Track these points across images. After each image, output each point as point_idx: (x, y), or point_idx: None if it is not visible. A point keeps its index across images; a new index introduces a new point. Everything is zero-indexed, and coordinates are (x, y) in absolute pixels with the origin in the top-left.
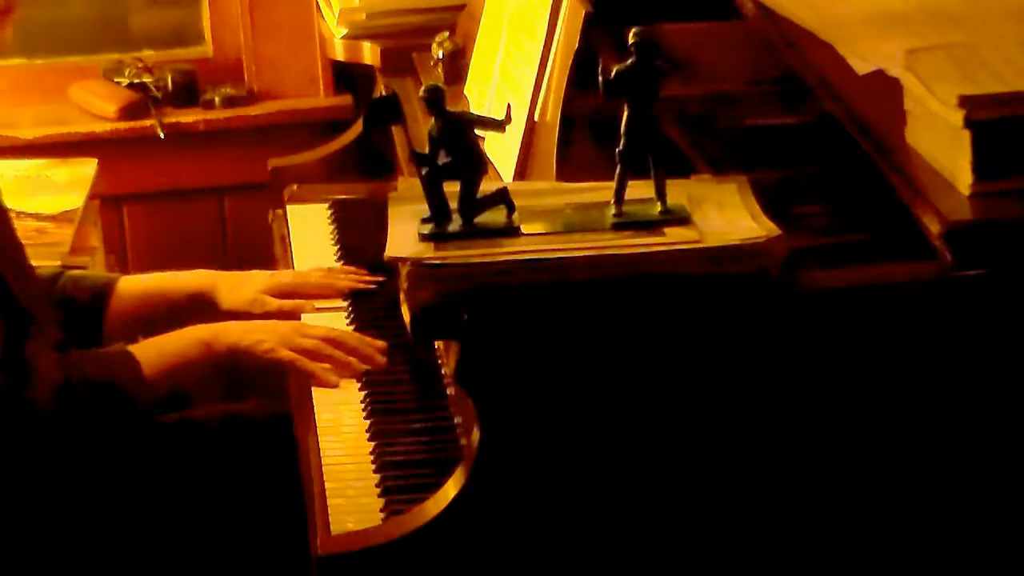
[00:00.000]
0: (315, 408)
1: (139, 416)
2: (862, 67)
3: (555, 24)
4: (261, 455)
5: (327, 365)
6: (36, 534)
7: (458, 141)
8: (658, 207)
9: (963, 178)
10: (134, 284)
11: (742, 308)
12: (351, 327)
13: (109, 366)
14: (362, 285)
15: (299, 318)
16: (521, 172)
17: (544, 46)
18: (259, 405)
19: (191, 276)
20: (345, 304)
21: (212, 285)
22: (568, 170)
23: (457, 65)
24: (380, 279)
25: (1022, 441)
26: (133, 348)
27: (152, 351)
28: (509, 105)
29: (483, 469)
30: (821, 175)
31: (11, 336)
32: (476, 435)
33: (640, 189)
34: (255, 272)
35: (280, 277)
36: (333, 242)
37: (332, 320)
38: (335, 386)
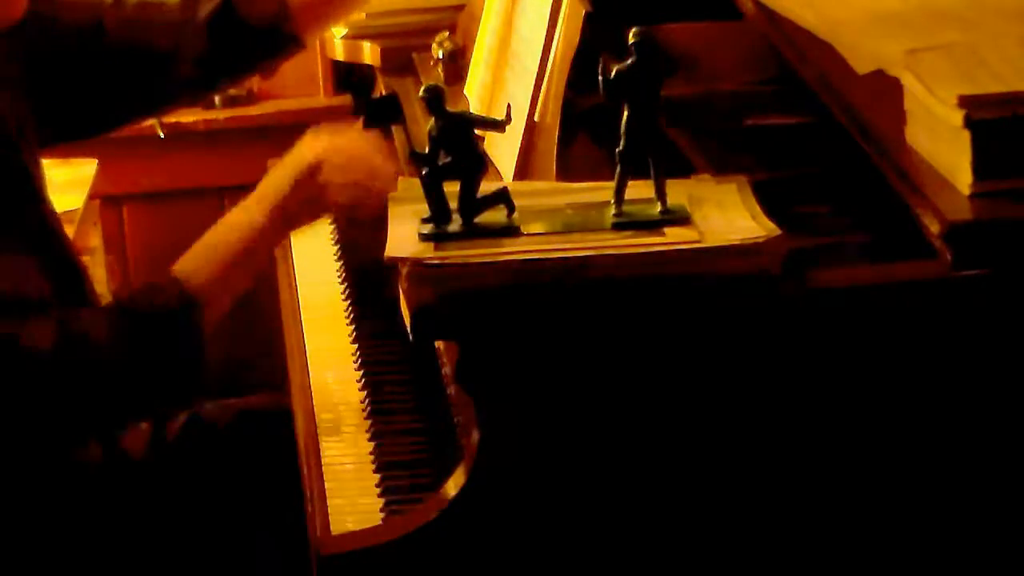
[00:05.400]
0: (315, 408)
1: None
2: (862, 67)
3: (555, 24)
4: (261, 453)
5: None
6: (36, 532)
7: (458, 141)
8: (658, 207)
9: (963, 178)
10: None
11: (742, 308)
12: (351, 327)
13: (157, 294)
14: None
15: None
16: (521, 172)
17: (544, 46)
18: (260, 401)
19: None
20: (345, 303)
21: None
22: (568, 170)
23: (457, 65)
24: None
25: (1022, 441)
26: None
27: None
28: (509, 105)
29: (483, 469)
30: (821, 175)
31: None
32: (476, 435)
33: (640, 189)
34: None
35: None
36: (333, 242)
37: (332, 315)
38: None
